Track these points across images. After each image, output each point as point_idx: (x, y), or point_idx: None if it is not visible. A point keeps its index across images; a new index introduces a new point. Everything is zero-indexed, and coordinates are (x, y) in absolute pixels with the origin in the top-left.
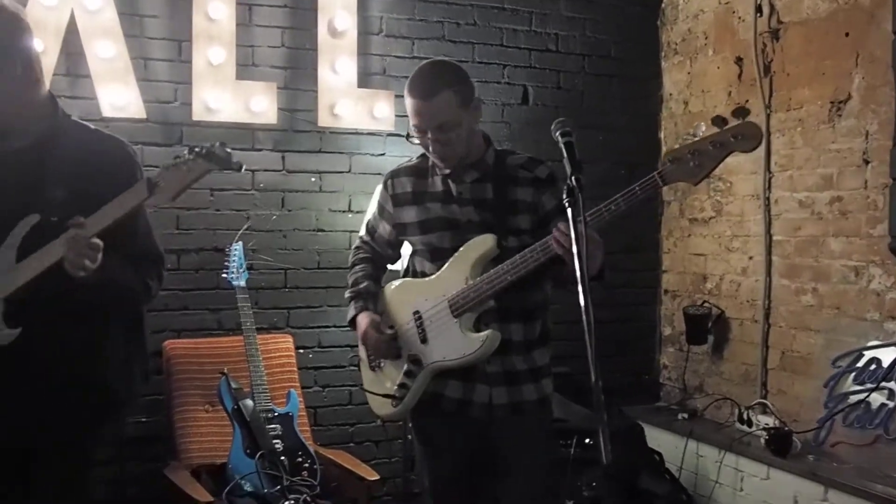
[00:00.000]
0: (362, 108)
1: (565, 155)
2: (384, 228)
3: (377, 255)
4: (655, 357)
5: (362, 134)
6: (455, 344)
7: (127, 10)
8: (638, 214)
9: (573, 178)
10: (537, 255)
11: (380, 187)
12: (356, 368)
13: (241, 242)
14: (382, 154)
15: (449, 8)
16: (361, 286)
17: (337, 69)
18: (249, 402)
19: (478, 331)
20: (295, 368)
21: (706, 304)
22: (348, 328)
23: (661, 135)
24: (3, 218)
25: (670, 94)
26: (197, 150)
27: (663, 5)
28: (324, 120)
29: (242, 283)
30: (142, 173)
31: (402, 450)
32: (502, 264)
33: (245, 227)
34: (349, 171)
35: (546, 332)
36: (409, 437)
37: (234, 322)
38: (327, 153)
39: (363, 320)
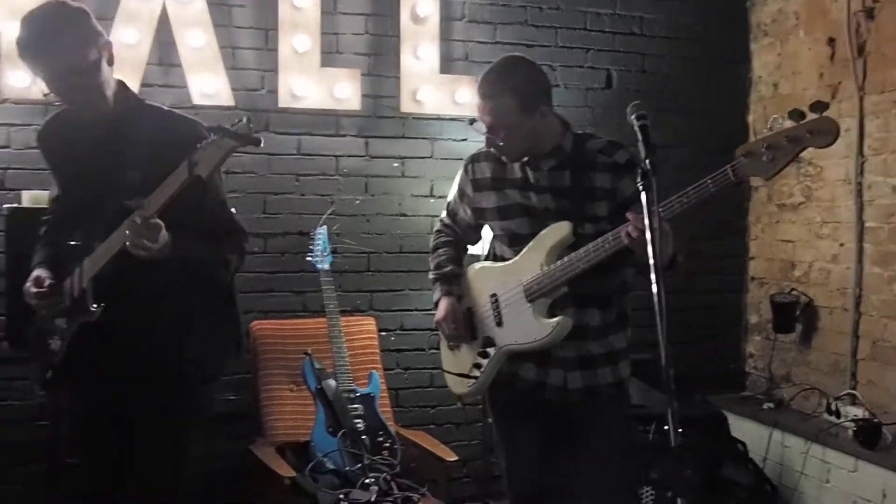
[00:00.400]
0: (444, 94)
1: (640, 138)
2: (464, 212)
3: (458, 237)
4: (741, 345)
5: (444, 119)
6: (527, 328)
7: (216, 0)
8: (724, 200)
9: (647, 161)
10: (609, 244)
11: (460, 171)
12: (437, 351)
13: (325, 227)
14: (464, 139)
15: None
16: (446, 269)
17: (419, 55)
18: (332, 382)
19: (552, 316)
20: (377, 350)
21: (794, 292)
22: (430, 311)
23: (750, 119)
24: (85, 203)
25: (759, 77)
26: (223, 128)
27: None
28: (406, 106)
29: (326, 266)
30: None
31: (482, 432)
32: (575, 252)
33: (329, 211)
34: (431, 157)
35: (624, 316)
36: (490, 419)
37: (319, 304)
38: (410, 139)
39: (443, 303)
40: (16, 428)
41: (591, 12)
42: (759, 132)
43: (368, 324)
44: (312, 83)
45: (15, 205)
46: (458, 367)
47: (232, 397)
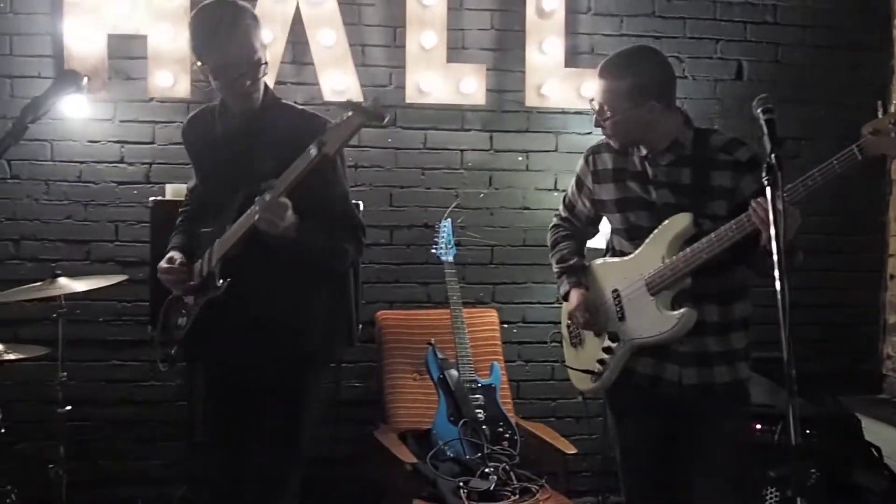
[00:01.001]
0: (569, 88)
1: (765, 132)
2: (583, 204)
3: (577, 231)
4: (878, 346)
5: (569, 113)
6: (651, 321)
7: (346, 0)
8: (860, 196)
9: (773, 156)
10: (732, 232)
11: (581, 162)
12: (558, 344)
13: (449, 219)
14: (589, 133)
15: None
16: (572, 261)
17: (544, 49)
18: (454, 372)
19: (674, 310)
20: (499, 342)
21: None
22: (553, 304)
23: (893, 107)
24: (220, 193)
25: None
26: (351, 103)
27: None
28: (531, 100)
29: (451, 258)
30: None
31: (603, 426)
32: (698, 242)
33: (454, 204)
34: (555, 150)
35: (746, 316)
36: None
37: (442, 295)
38: (534, 132)
39: (574, 295)
40: (157, 408)
41: (720, 1)
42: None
43: (491, 315)
44: (438, 79)
45: (159, 197)
46: (582, 363)
47: (357, 384)
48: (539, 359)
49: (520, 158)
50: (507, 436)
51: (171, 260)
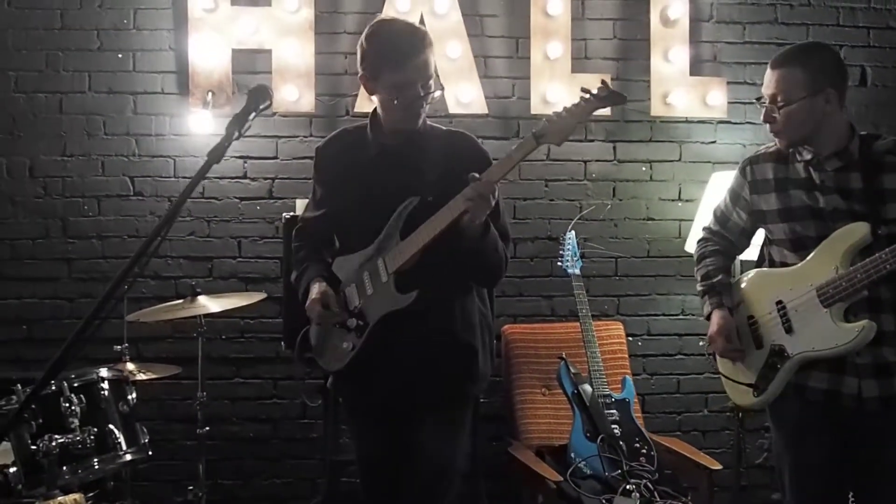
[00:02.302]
0: (694, 97)
1: None
2: (738, 216)
3: (727, 245)
4: None
5: (692, 122)
6: (825, 334)
7: (469, 11)
8: None
9: None
10: None
11: (735, 173)
12: (684, 357)
13: (573, 231)
14: (713, 142)
15: None
16: (715, 280)
17: (670, 58)
18: (588, 387)
19: (847, 321)
20: (626, 355)
21: None
22: (678, 316)
23: None
24: (375, 211)
25: None
26: (587, 95)
27: None
28: (656, 109)
29: (577, 270)
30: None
31: (735, 440)
32: (881, 252)
33: (578, 216)
34: (679, 160)
35: None
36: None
37: (567, 309)
38: (657, 142)
39: (715, 319)
40: (282, 425)
41: (843, 7)
42: None
43: (616, 328)
44: (564, 89)
45: (292, 213)
46: (742, 376)
47: (483, 399)
48: (664, 371)
49: (643, 169)
50: (644, 451)
51: (325, 297)
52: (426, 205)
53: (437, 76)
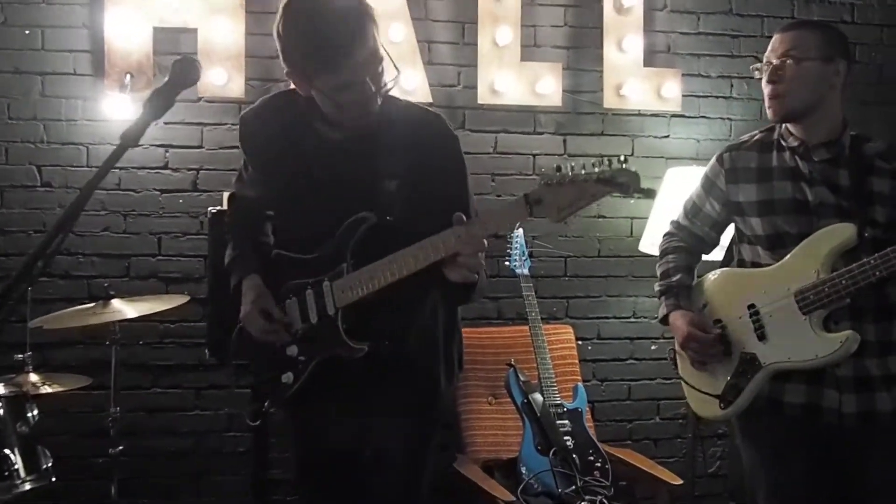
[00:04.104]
0: (649, 88)
1: None
2: (711, 207)
3: (694, 240)
4: None
5: (646, 115)
6: (803, 343)
7: None
8: None
9: None
10: None
11: (712, 161)
12: (636, 361)
13: (521, 229)
14: (666, 136)
15: None
16: (674, 279)
17: (623, 47)
18: (539, 396)
19: (828, 330)
20: (576, 361)
21: None
22: (629, 319)
23: None
24: (336, 195)
25: None
26: (596, 170)
27: None
28: (609, 101)
29: (526, 271)
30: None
31: (688, 448)
32: (869, 258)
33: None
34: (631, 154)
35: None
36: (734, 441)
37: (514, 311)
38: (609, 136)
39: (680, 320)
40: (205, 439)
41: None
42: None
43: (566, 332)
44: (512, 78)
45: (218, 207)
46: (708, 385)
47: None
48: (615, 377)
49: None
50: (599, 464)
51: (266, 306)
52: (384, 225)
53: (389, 56)
